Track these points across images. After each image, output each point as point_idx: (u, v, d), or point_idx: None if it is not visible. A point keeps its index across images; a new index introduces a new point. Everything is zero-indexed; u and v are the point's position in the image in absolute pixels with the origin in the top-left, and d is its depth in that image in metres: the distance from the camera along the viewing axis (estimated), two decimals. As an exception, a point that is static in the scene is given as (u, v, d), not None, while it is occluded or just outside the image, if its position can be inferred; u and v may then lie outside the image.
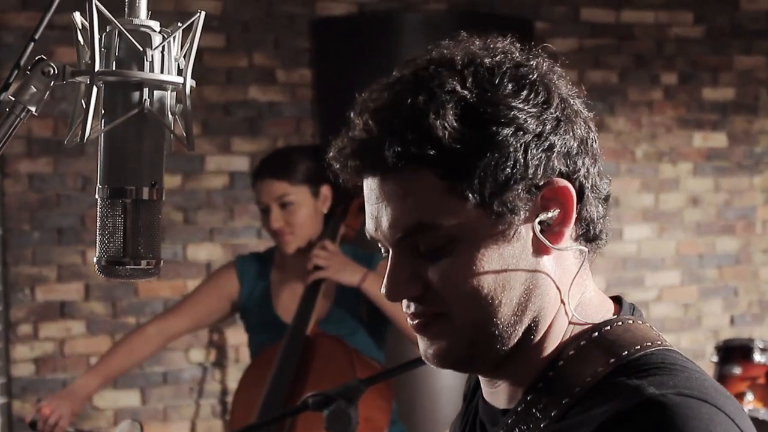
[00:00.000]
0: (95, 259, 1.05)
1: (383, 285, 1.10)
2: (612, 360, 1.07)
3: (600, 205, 1.12)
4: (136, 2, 1.05)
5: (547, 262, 1.09)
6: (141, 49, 1.03)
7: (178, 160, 4.55)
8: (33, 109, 1.03)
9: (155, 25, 1.05)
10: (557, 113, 1.07)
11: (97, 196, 1.04)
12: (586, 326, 1.12)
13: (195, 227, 4.62)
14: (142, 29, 1.04)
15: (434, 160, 1.04)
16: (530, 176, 1.05)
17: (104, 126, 1.04)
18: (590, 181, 1.10)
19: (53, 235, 4.43)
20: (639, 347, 1.09)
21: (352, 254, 3.00)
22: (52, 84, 1.02)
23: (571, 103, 1.10)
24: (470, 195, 1.04)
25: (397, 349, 3.15)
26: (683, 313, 5.35)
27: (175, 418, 4.60)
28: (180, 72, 1.06)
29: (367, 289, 2.90)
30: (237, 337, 4.51)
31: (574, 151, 1.08)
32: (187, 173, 4.60)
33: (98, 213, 1.04)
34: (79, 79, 1.03)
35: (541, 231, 1.08)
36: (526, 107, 1.05)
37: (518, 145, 1.04)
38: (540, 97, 1.06)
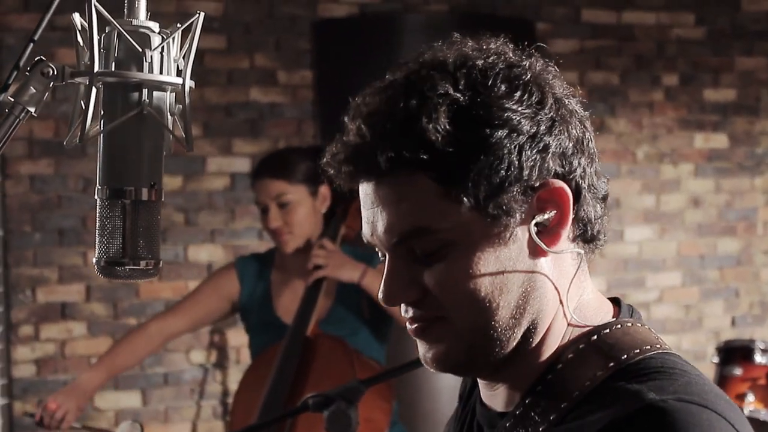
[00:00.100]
0: (94, 260, 1.05)
1: (380, 290, 1.10)
2: (611, 364, 1.07)
3: (598, 205, 1.12)
4: (136, 3, 1.05)
5: (544, 263, 1.08)
6: (140, 50, 1.03)
7: (179, 161, 4.56)
8: (32, 110, 1.03)
9: (154, 26, 1.05)
10: (551, 113, 1.06)
11: (96, 197, 1.05)
12: (585, 329, 1.11)
13: (196, 228, 4.63)
14: (142, 30, 1.04)
15: (428, 164, 1.03)
16: (525, 178, 1.04)
17: (103, 127, 1.04)
18: (587, 181, 1.09)
19: (54, 236, 4.44)
20: (638, 351, 1.08)
21: (352, 254, 3.01)
22: (51, 85, 1.02)
23: (566, 102, 1.09)
24: (465, 198, 1.03)
25: (398, 350, 3.15)
26: (684, 314, 5.35)
27: (176, 419, 4.60)
28: (179, 73, 1.06)
29: (368, 286, 2.91)
30: (238, 338, 4.51)
31: (570, 152, 1.07)
32: (188, 174, 4.60)
33: (97, 214, 1.04)
34: (78, 80, 1.03)
35: (538, 232, 1.07)
36: (519, 108, 1.04)
37: (512, 146, 1.03)
38: (534, 97, 1.06)
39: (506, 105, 1.04)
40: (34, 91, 1.02)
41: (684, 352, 5.23)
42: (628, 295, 5.18)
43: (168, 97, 1.06)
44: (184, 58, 1.07)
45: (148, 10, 1.06)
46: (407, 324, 1.11)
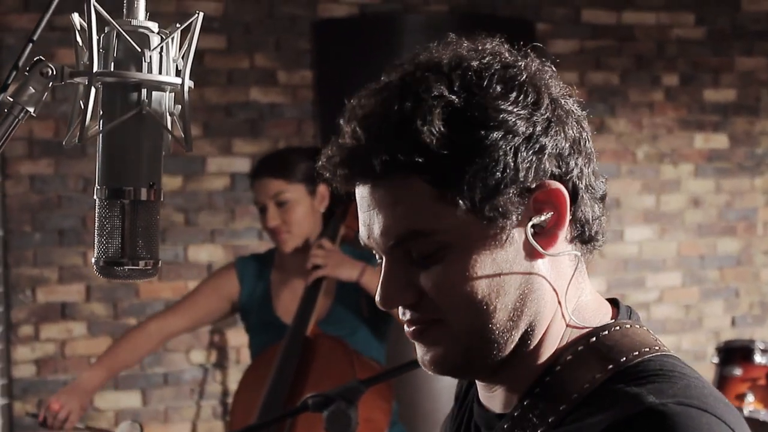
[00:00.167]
0: (93, 260, 1.05)
1: (377, 293, 1.10)
2: (610, 366, 1.06)
3: (596, 205, 1.11)
4: (135, 3, 1.05)
5: (542, 265, 1.08)
6: (139, 50, 1.03)
7: (179, 161, 4.56)
8: (31, 110, 1.03)
9: (153, 26, 1.06)
10: (547, 114, 1.05)
11: (95, 197, 1.05)
12: (584, 330, 1.10)
13: (196, 228, 4.63)
14: (141, 30, 1.04)
15: (423, 167, 1.02)
16: (521, 179, 1.03)
17: (103, 127, 1.04)
18: (584, 182, 1.08)
19: (54, 236, 4.44)
20: (637, 353, 1.07)
21: (351, 254, 3.01)
22: (50, 85, 1.02)
23: (562, 103, 1.08)
24: (460, 201, 1.02)
25: (398, 350, 3.15)
26: (684, 314, 5.35)
27: (176, 419, 4.60)
28: (178, 73, 1.06)
29: (366, 284, 2.91)
30: (238, 338, 4.51)
31: (566, 152, 1.06)
32: (188, 174, 4.60)
33: (96, 214, 1.04)
34: (77, 80, 1.03)
35: (535, 234, 1.06)
36: (515, 109, 1.03)
37: (508, 148, 1.02)
38: (529, 98, 1.05)
39: (501, 106, 1.03)
40: (33, 91, 1.02)
41: (684, 353, 5.23)
42: (628, 295, 5.19)
43: (167, 97, 1.06)
44: (183, 58, 1.07)
45: (147, 10, 1.06)
46: (405, 327, 1.11)
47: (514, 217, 1.04)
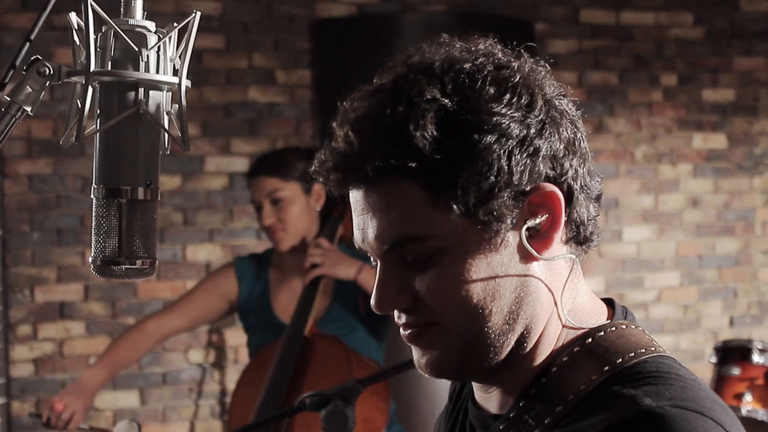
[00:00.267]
0: (90, 259, 1.05)
1: (372, 297, 1.09)
2: (606, 368, 1.06)
3: (591, 206, 1.10)
4: (132, 3, 1.05)
5: (537, 267, 1.07)
6: (136, 49, 1.03)
7: (178, 160, 4.56)
8: (28, 109, 1.03)
9: (151, 25, 1.06)
10: (541, 116, 1.04)
11: (92, 196, 1.05)
12: (580, 331, 1.10)
13: (194, 228, 4.63)
14: (138, 29, 1.04)
15: (416, 172, 1.02)
16: (516, 183, 1.02)
17: (100, 126, 1.04)
18: (579, 182, 1.07)
19: (53, 235, 4.44)
20: (633, 354, 1.07)
21: (349, 254, 3.01)
22: (47, 84, 1.02)
23: (556, 104, 1.07)
24: (454, 205, 1.02)
25: (396, 349, 3.15)
26: (683, 314, 5.35)
27: (174, 418, 4.60)
28: (175, 72, 1.06)
29: (364, 282, 2.91)
30: (236, 337, 4.51)
31: (561, 154, 1.05)
32: (186, 174, 4.60)
33: (94, 213, 1.04)
34: (74, 79, 1.03)
35: (530, 236, 1.06)
36: (508, 112, 1.02)
37: (502, 151, 1.01)
38: (523, 100, 1.04)
39: (495, 109, 1.02)
40: (31, 90, 1.02)
41: (682, 352, 5.23)
42: (626, 295, 5.19)
43: (164, 97, 1.06)
44: (180, 57, 1.07)
45: (146, 10, 1.06)
46: (401, 330, 1.11)
47: (508, 221, 1.04)
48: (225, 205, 4.66)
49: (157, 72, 1.04)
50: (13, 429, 4.39)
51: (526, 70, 1.07)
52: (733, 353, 3.79)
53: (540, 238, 1.06)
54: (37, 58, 1.03)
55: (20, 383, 4.41)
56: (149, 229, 1.05)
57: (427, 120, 1.01)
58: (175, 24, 1.06)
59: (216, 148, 4.64)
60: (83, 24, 1.01)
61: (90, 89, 1.01)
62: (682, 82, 5.34)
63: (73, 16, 1.04)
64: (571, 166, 1.06)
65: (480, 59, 1.06)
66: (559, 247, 1.09)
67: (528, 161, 1.03)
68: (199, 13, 1.07)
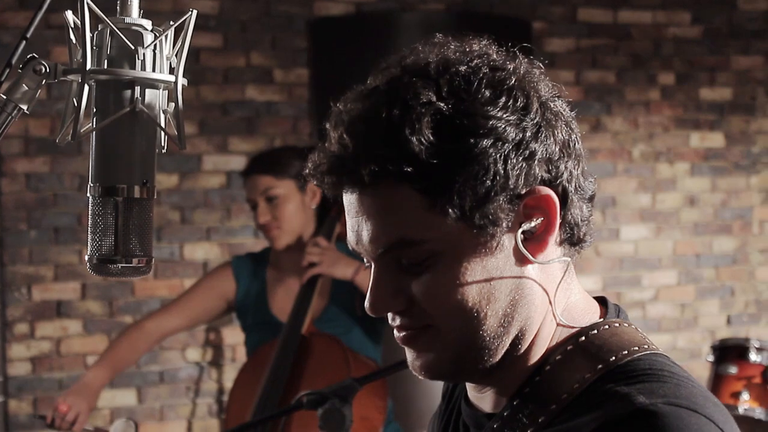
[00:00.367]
0: (87, 257, 1.05)
1: (366, 299, 1.09)
2: (599, 366, 1.06)
3: (584, 206, 1.10)
4: (128, 1, 1.05)
5: (531, 269, 1.07)
6: (132, 47, 1.03)
7: (175, 159, 4.56)
8: (25, 107, 1.03)
9: (147, 23, 1.05)
10: (537, 118, 1.04)
11: (89, 195, 1.04)
12: (573, 330, 1.10)
13: (192, 226, 4.62)
14: (134, 28, 1.04)
15: (412, 176, 1.01)
16: (511, 186, 1.02)
17: (96, 124, 1.04)
18: (574, 184, 1.07)
19: (50, 234, 4.43)
20: (626, 352, 1.07)
21: (346, 253, 3.01)
22: (43, 82, 1.02)
23: (551, 106, 1.07)
24: (450, 209, 1.01)
25: (393, 348, 3.15)
26: (680, 312, 5.36)
27: (171, 417, 4.60)
28: (172, 71, 1.06)
29: (361, 282, 2.91)
30: (233, 336, 4.51)
31: (556, 156, 1.05)
32: (184, 173, 4.60)
33: (90, 211, 1.04)
34: (70, 77, 1.03)
35: (525, 239, 1.05)
36: (504, 115, 1.02)
37: (498, 155, 1.01)
38: (519, 102, 1.03)
39: (490, 113, 1.02)
40: (27, 88, 1.02)
41: (679, 351, 5.23)
42: (623, 293, 5.19)
43: (160, 95, 1.06)
44: (176, 55, 1.06)
45: (142, 8, 1.06)
46: (395, 331, 1.10)
47: (504, 224, 1.04)
48: (222, 204, 4.66)
49: (154, 70, 1.04)
50: (10, 427, 4.39)
51: (522, 71, 1.06)
52: (730, 352, 3.79)
53: (535, 240, 1.06)
54: (34, 56, 1.03)
55: (17, 382, 4.41)
56: (146, 228, 1.05)
57: (423, 124, 1.00)
58: (171, 22, 1.06)
59: (213, 147, 4.64)
60: (79, 22, 1.01)
61: (86, 87, 1.01)
62: (679, 80, 5.34)
63: (69, 15, 1.04)
64: (566, 168, 1.06)
65: (475, 61, 1.05)
66: (553, 249, 1.08)
67: (524, 165, 1.03)
68: (195, 12, 1.07)
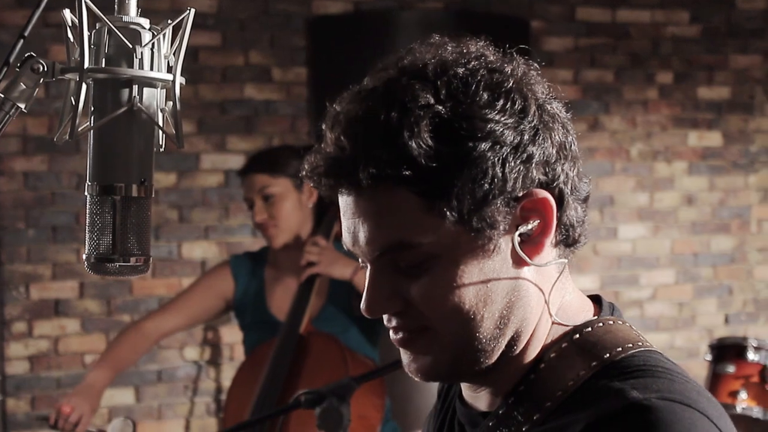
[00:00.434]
0: (84, 256, 1.05)
1: (362, 300, 1.09)
2: (594, 363, 1.06)
3: (579, 207, 1.10)
4: (126, 0, 1.05)
5: (527, 271, 1.07)
6: (130, 46, 1.02)
7: (174, 158, 4.56)
8: (22, 106, 1.03)
9: (145, 22, 1.05)
10: (534, 121, 1.04)
11: (86, 193, 1.04)
12: (567, 328, 1.11)
13: (190, 225, 4.62)
14: (132, 26, 1.04)
15: (411, 180, 1.01)
16: (509, 189, 1.02)
17: (94, 123, 1.04)
18: (570, 186, 1.08)
19: (48, 232, 4.43)
20: (620, 349, 1.07)
21: (345, 253, 3.01)
22: (41, 81, 1.02)
23: (548, 108, 1.07)
24: (448, 212, 1.01)
25: (390, 347, 3.15)
26: (678, 311, 5.36)
27: (169, 415, 4.60)
28: (170, 69, 1.06)
29: (359, 283, 2.91)
30: (232, 335, 4.51)
31: (553, 159, 1.05)
32: (182, 171, 4.60)
33: (88, 210, 1.04)
34: (68, 76, 1.03)
35: (521, 242, 1.06)
36: (502, 118, 1.02)
37: (496, 159, 1.01)
38: (517, 105, 1.03)
39: (489, 116, 1.02)
40: (24, 87, 1.02)
41: (677, 350, 5.24)
42: (621, 292, 5.19)
43: (158, 94, 1.06)
44: (174, 54, 1.06)
45: (140, 7, 1.06)
46: (391, 333, 1.10)
47: (501, 227, 1.04)
48: (220, 203, 4.66)
49: (152, 69, 1.04)
50: (8, 426, 4.39)
51: (519, 73, 1.06)
52: (728, 351, 3.79)
53: (531, 243, 1.07)
54: (31, 55, 1.03)
55: (15, 381, 4.40)
56: (143, 227, 1.05)
57: (421, 127, 1.00)
58: (169, 21, 1.06)
59: (211, 146, 4.64)
60: (77, 21, 1.01)
61: (84, 86, 1.01)
62: (677, 79, 5.34)
63: (67, 13, 1.03)
64: (562, 170, 1.06)
65: (472, 63, 1.05)
66: (549, 250, 1.09)
67: (521, 168, 1.03)
68: (193, 11, 1.07)
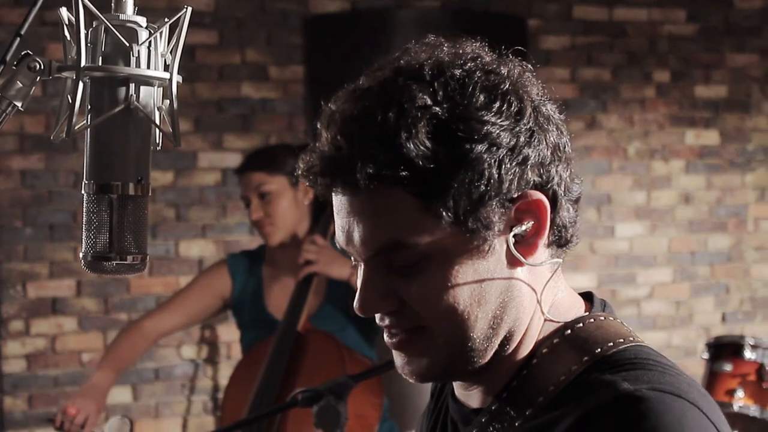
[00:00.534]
0: (81, 254, 1.05)
1: (356, 300, 1.09)
2: (585, 358, 1.07)
3: (572, 208, 1.11)
4: (123, -2, 1.05)
5: (521, 271, 1.08)
6: (127, 44, 1.02)
7: (171, 156, 4.55)
8: (19, 104, 1.03)
9: (142, 20, 1.05)
10: (530, 123, 1.05)
11: (83, 192, 1.04)
12: (559, 325, 1.11)
13: (187, 224, 4.62)
14: (129, 25, 1.04)
15: (408, 181, 1.01)
16: (505, 191, 1.03)
17: (90, 121, 1.04)
18: (563, 187, 1.09)
19: (45, 231, 4.43)
20: (612, 344, 1.08)
21: (341, 251, 3.00)
22: (38, 79, 1.02)
23: (543, 110, 1.08)
24: (444, 213, 1.02)
25: (387, 346, 3.15)
26: (675, 310, 5.36)
27: (166, 414, 4.60)
28: (167, 68, 1.06)
29: (356, 283, 2.91)
30: (229, 333, 4.51)
31: (548, 160, 1.06)
32: (179, 170, 4.60)
33: (84, 208, 1.04)
34: (65, 74, 1.03)
35: (515, 243, 1.06)
36: (498, 120, 1.03)
37: (492, 161, 1.02)
38: (513, 107, 1.04)
39: (485, 117, 1.02)
40: (21, 85, 1.02)
41: (674, 348, 5.24)
42: (618, 290, 5.19)
43: (155, 92, 1.06)
44: (171, 52, 1.06)
45: (137, 5, 1.06)
46: (385, 335, 1.11)
47: (496, 228, 1.05)
48: (218, 201, 4.66)
49: (149, 67, 1.04)
50: (5, 425, 4.39)
51: (515, 75, 1.07)
52: (725, 349, 3.79)
53: (525, 244, 1.07)
54: (28, 53, 1.02)
55: (12, 379, 4.40)
56: (140, 225, 1.05)
57: (419, 129, 1.00)
58: (166, 19, 1.06)
59: (208, 144, 4.64)
60: (74, 19, 1.01)
61: (81, 84, 1.01)
62: (674, 78, 5.34)
63: (64, 12, 1.03)
64: (556, 172, 1.07)
65: (468, 64, 1.05)
66: (542, 251, 1.09)
67: (517, 170, 1.04)
68: (190, 9, 1.07)
